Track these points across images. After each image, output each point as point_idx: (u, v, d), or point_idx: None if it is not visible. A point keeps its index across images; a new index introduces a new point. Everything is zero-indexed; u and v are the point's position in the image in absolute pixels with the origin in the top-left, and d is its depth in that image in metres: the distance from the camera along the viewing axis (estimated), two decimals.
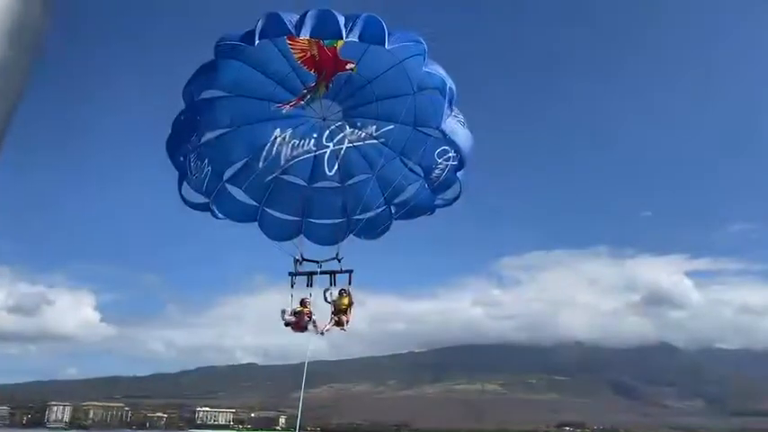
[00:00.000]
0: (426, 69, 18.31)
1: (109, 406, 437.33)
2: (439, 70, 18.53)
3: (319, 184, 21.97)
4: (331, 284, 21.10)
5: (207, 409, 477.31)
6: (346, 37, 16.77)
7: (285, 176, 21.46)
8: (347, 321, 20.83)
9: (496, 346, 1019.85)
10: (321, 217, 22.75)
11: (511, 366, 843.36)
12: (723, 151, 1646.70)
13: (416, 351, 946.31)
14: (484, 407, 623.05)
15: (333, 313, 20.69)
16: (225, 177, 20.76)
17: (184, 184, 20.23)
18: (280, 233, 22.38)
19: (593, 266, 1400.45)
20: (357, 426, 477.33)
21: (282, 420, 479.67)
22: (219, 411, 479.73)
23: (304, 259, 21.43)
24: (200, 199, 20.74)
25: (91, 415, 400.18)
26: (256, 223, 22.23)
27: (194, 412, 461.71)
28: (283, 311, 20.30)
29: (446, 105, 18.88)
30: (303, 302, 20.58)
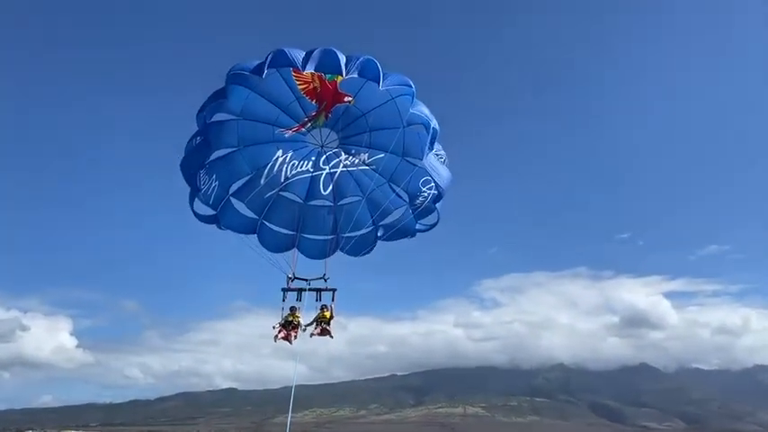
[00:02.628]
0: (414, 109, 21.05)
1: None
2: (425, 111, 21.40)
3: (314, 202, 24.39)
4: (317, 300, 24.19)
5: None
6: (346, 74, 19.32)
7: (284, 193, 23.89)
8: (330, 330, 23.90)
9: (478, 368, 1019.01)
10: (314, 232, 25.11)
11: (493, 389, 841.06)
12: (699, 175, 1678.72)
13: (398, 374, 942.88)
14: (466, 430, 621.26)
15: (316, 323, 23.77)
16: (230, 191, 23.23)
17: (195, 200, 22.51)
18: (276, 245, 24.66)
19: (573, 288, 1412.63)
20: None
21: None
22: None
23: (296, 277, 24.05)
24: (208, 211, 23.08)
25: None
26: (250, 236, 24.44)
27: None
28: (274, 327, 23.43)
29: (428, 142, 21.56)
30: (293, 309, 23.68)
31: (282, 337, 23.12)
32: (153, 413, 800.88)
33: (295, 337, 23.49)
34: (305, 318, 23.53)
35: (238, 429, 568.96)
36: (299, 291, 24.02)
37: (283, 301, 23.74)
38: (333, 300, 24.04)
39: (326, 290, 24.03)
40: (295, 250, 24.81)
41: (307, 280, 24.00)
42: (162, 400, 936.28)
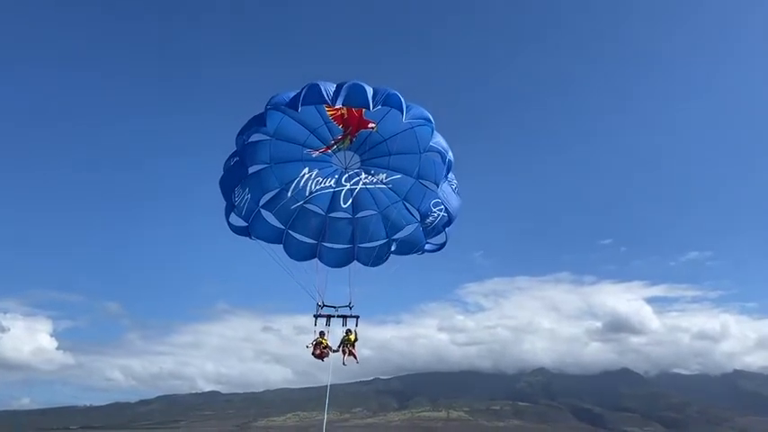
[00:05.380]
0: (432, 140, 23.97)
1: None
2: (442, 143, 24.34)
3: (334, 214, 27.05)
4: (343, 325, 27.44)
5: None
6: (373, 107, 22.10)
7: (308, 205, 26.56)
8: (356, 355, 27.34)
9: (461, 372, 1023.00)
10: (333, 241, 27.74)
11: (476, 393, 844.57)
12: (682, 182, 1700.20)
13: (382, 378, 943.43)
14: None
15: (342, 345, 27.02)
16: (260, 203, 25.84)
17: (232, 214, 25.23)
18: (299, 253, 27.35)
19: (555, 293, 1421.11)
20: None
21: None
22: None
23: (325, 305, 27.16)
24: (241, 223, 25.72)
25: None
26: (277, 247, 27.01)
27: None
28: (308, 347, 26.82)
29: (444, 172, 24.43)
30: (321, 334, 26.91)
31: (318, 355, 26.42)
32: (134, 416, 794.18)
33: (323, 354, 26.76)
34: (331, 340, 26.86)
35: None
36: (328, 317, 26.90)
37: (315, 325, 26.77)
38: (356, 325, 27.18)
39: (351, 316, 27.04)
40: (326, 282, 27.40)
41: (335, 307, 26.93)
42: (144, 402, 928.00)
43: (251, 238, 26.34)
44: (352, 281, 26.76)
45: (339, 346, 26.84)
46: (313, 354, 26.53)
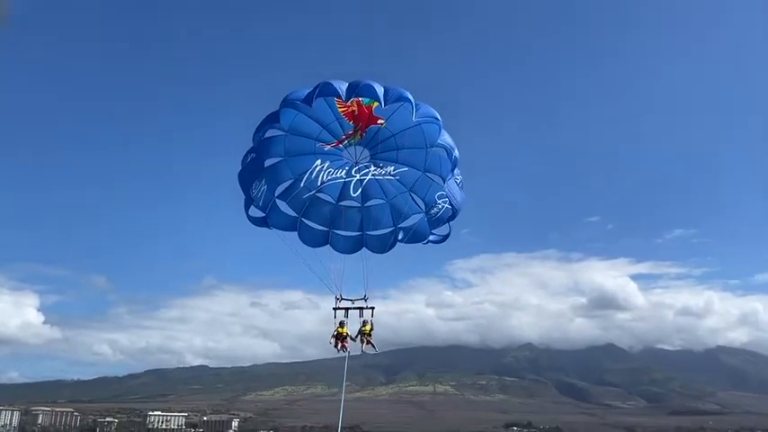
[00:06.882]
0: (440, 137, 25.48)
1: (57, 411, 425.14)
2: (449, 140, 25.89)
3: (344, 203, 28.50)
4: (360, 316, 29.21)
5: (159, 412, 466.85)
6: (384, 104, 23.53)
7: (319, 194, 27.98)
8: (374, 344, 29.54)
9: (448, 347, 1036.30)
10: (343, 229, 29.17)
11: (462, 368, 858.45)
12: (668, 160, 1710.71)
13: (369, 353, 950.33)
14: (436, 408, 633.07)
15: (360, 334, 29.02)
16: (276, 194, 27.26)
17: (251, 207, 26.70)
18: (312, 240, 28.86)
19: (542, 270, 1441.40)
20: (310, 428, 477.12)
21: (235, 424, 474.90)
22: (172, 415, 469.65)
23: (343, 298, 28.97)
24: (259, 214, 27.18)
25: (40, 420, 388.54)
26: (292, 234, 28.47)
27: (145, 416, 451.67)
28: (331, 342, 28.87)
29: (450, 167, 25.97)
30: (342, 324, 28.93)
31: (341, 348, 28.61)
32: (123, 390, 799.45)
33: (345, 346, 28.86)
34: (350, 329, 28.94)
35: (209, 406, 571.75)
36: (346, 309, 28.82)
37: (335, 317, 28.71)
38: (372, 315, 29.16)
39: (367, 308, 28.88)
40: (342, 276, 29.06)
41: (351, 300, 28.72)
42: (132, 376, 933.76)
43: (269, 227, 27.81)
44: (366, 271, 28.44)
45: (357, 336, 28.71)
46: (335, 347, 28.64)
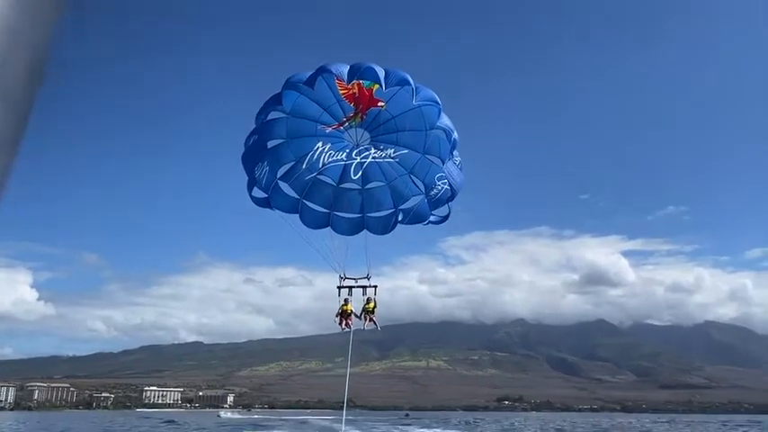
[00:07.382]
0: (439, 120, 25.69)
1: (53, 386, 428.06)
2: (448, 123, 26.08)
3: (345, 185, 28.66)
4: (363, 294, 29.82)
5: (154, 388, 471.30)
6: (384, 87, 23.71)
7: (321, 176, 28.12)
8: (376, 321, 30.13)
9: (441, 323, 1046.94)
10: (344, 211, 29.45)
11: (455, 343, 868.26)
12: (659, 136, 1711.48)
13: (363, 328, 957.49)
14: (428, 383, 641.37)
15: (363, 312, 29.60)
16: (278, 175, 27.43)
17: (254, 188, 26.89)
18: (313, 222, 29.09)
19: (534, 246, 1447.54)
20: (305, 402, 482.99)
21: (231, 399, 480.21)
22: (167, 390, 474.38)
23: (346, 277, 29.32)
24: (262, 194, 27.38)
25: (36, 395, 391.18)
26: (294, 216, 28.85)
27: (141, 392, 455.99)
28: (335, 321, 29.71)
29: (449, 149, 26.26)
30: (346, 301, 29.58)
31: (345, 326, 29.30)
32: (118, 365, 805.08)
33: (348, 324, 29.50)
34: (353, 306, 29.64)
35: (205, 381, 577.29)
36: (350, 288, 29.37)
37: (339, 296, 29.37)
38: (375, 294, 29.76)
39: (370, 286, 29.40)
40: (345, 257, 29.40)
41: (355, 279, 29.17)
42: (127, 352, 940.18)
43: (271, 208, 28.04)
44: (368, 253, 28.81)
45: (361, 314, 29.40)
46: (339, 324, 29.34)
